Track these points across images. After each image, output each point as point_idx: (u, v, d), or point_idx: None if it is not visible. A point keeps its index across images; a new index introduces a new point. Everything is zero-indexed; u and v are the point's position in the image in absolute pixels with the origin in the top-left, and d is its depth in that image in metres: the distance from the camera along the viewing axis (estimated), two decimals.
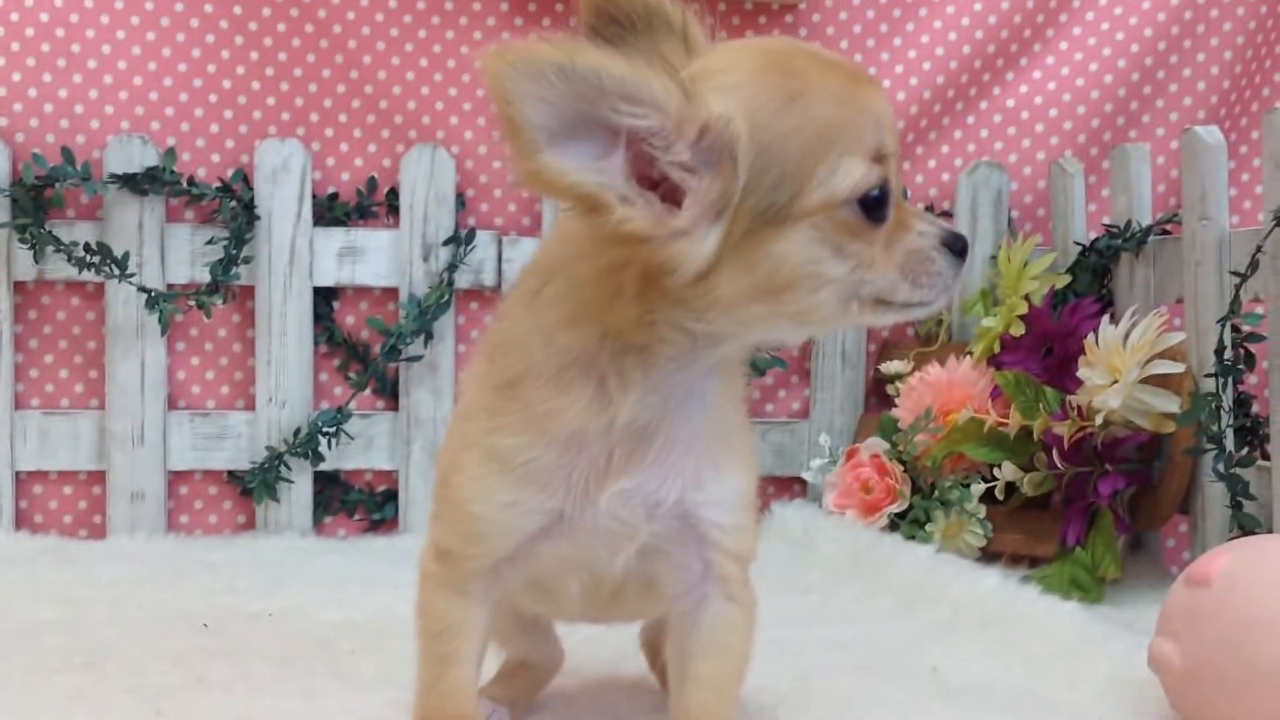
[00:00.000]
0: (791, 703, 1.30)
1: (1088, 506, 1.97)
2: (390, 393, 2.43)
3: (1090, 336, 2.02)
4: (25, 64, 2.30)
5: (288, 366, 2.35)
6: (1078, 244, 2.35)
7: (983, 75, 2.57)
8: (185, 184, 2.31)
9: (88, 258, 2.21)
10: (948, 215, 2.53)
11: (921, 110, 2.55)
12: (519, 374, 0.91)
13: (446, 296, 2.36)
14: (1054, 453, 1.99)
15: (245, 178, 2.36)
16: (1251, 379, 2.13)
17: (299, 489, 2.36)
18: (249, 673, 1.40)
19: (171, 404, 2.37)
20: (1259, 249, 1.77)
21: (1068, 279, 2.29)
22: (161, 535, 2.32)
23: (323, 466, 2.37)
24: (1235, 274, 1.78)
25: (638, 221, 0.79)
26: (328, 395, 2.43)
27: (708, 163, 0.81)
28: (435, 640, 1.00)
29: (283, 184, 2.34)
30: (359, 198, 2.42)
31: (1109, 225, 2.29)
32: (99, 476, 2.35)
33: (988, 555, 2.11)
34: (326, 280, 2.38)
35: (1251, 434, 2.03)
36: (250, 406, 2.39)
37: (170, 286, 2.32)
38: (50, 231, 2.24)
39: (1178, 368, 1.90)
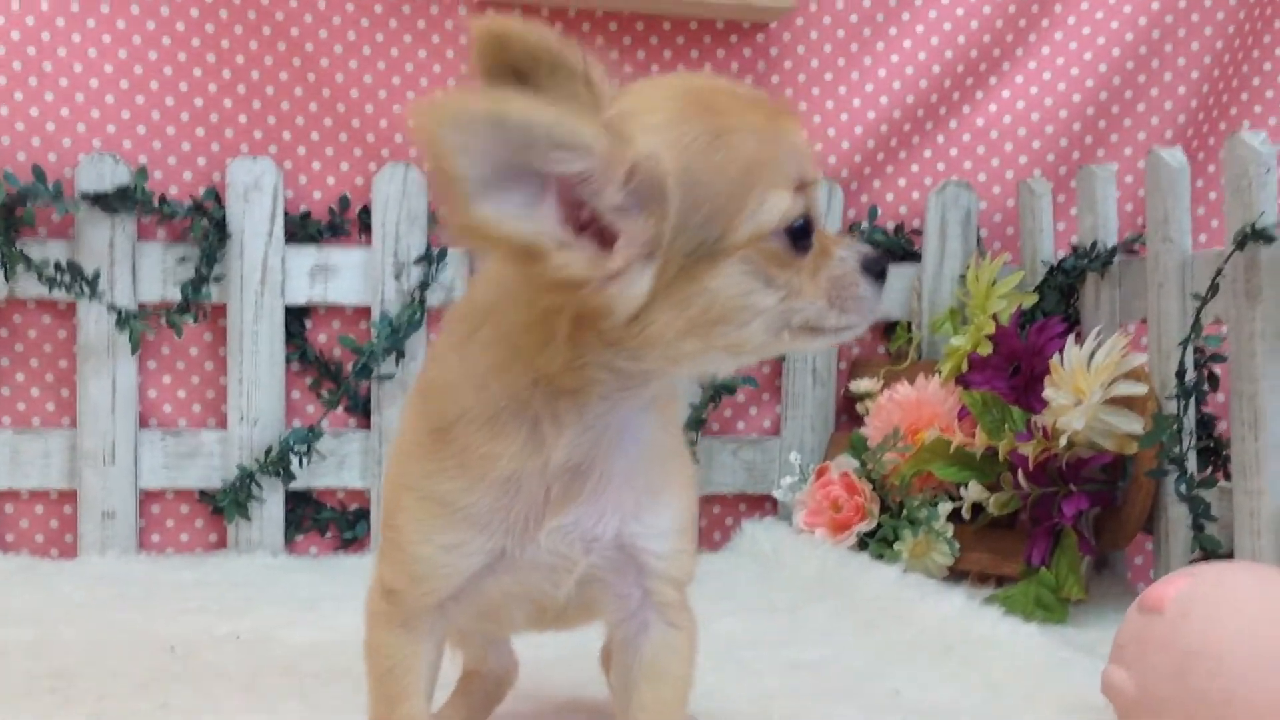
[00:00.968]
0: None
1: (1053, 527, 1.98)
2: (363, 411, 2.44)
3: (1055, 357, 2.04)
4: None
5: (259, 385, 2.36)
6: (1045, 263, 2.37)
7: (952, 94, 2.59)
8: (157, 202, 2.31)
9: (58, 277, 2.21)
10: (917, 234, 2.55)
11: (891, 129, 2.57)
12: (453, 419, 0.92)
13: (419, 315, 2.37)
14: (1019, 473, 2.01)
15: (217, 196, 2.36)
16: (1218, 397, 2.15)
17: (270, 507, 2.36)
18: (213, 697, 1.40)
19: (143, 422, 2.37)
20: (1219, 272, 1.79)
21: (1035, 298, 2.31)
22: (133, 554, 2.32)
23: (294, 485, 2.38)
24: (1196, 296, 1.80)
25: (574, 267, 0.79)
26: (300, 413, 2.44)
27: (638, 204, 0.81)
28: (384, 679, 0.99)
29: (254, 202, 2.34)
30: (331, 216, 2.43)
31: (1075, 245, 2.31)
32: (70, 495, 2.35)
33: (955, 574, 2.13)
34: (299, 298, 2.38)
35: (1215, 455, 2.05)
36: (222, 425, 2.39)
37: (142, 305, 2.32)
38: (21, 250, 2.24)
39: (1140, 389, 1.92)
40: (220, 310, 2.37)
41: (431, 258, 2.39)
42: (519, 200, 0.77)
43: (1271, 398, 1.76)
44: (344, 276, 2.40)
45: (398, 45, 2.44)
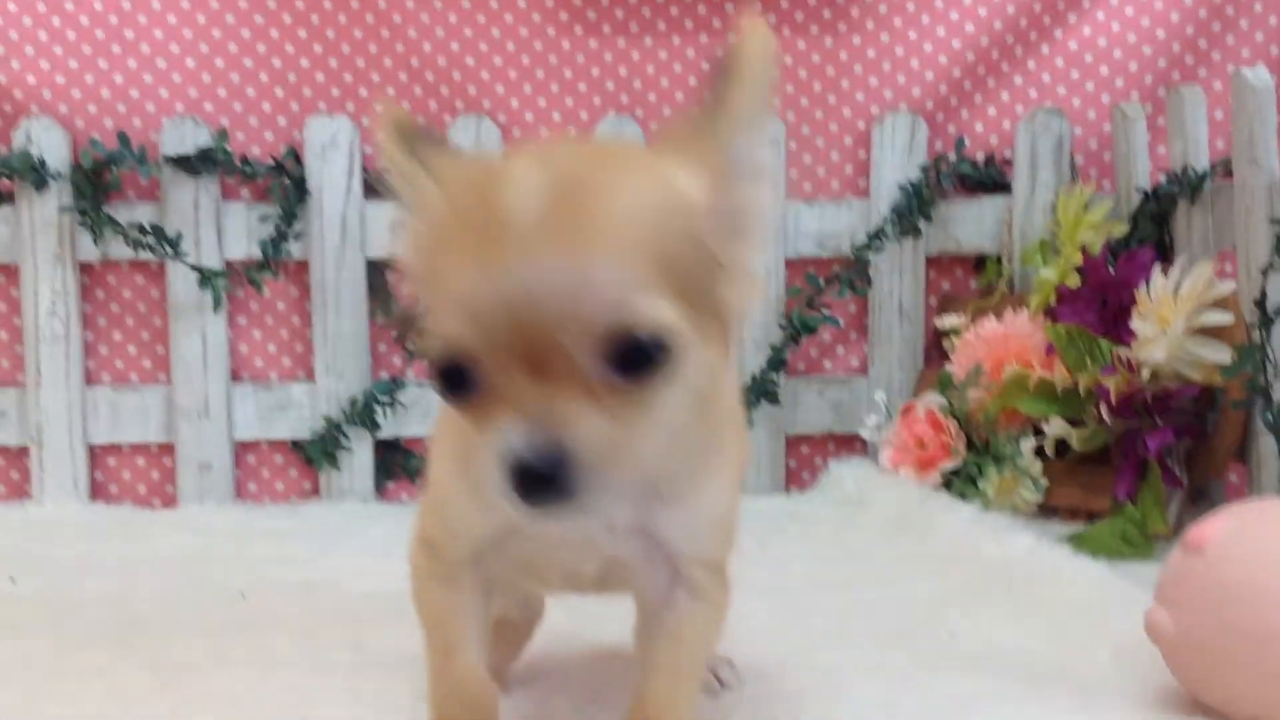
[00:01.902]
0: (788, 671, 1.29)
1: (1139, 461, 1.92)
2: None
3: (1142, 287, 1.96)
4: (81, 52, 2.37)
5: (344, 338, 2.40)
6: (1140, 191, 2.27)
7: (1043, 18, 2.49)
8: (238, 163, 2.35)
9: (144, 238, 2.27)
10: (1007, 164, 2.47)
11: (979, 56, 2.48)
12: None
13: None
14: (1103, 407, 1.94)
15: (296, 155, 2.39)
16: None
17: (359, 456, 2.41)
18: (269, 647, 1.43)
19: (235, 376, 2.43)
20: None
21: (1126, 228, 2.22)
22: (230, 504, 2.40)
23: (383, 434, 2.42)
24: (1275, 221, 1.71)
25: None
26: (386, 365, 2.47)
27: None
28: (434, 630, 0.99)
29: (332, 160, 2.37)
30: None
31: (1169, 171, 2.21)
32: (169, 448, 2.43)
33: (1045, 511, 2.08)
34: (379, 252, 2.41)
35: None
36: (310, 377, 2.44)
37: (228, 263, 2.37)
38: (109, 214, 2.31)
39: (1227, 318, 1.83)
40: (304, 266, 2.42)
41: None
42: None
43: None
44: None
45: None
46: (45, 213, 2.32)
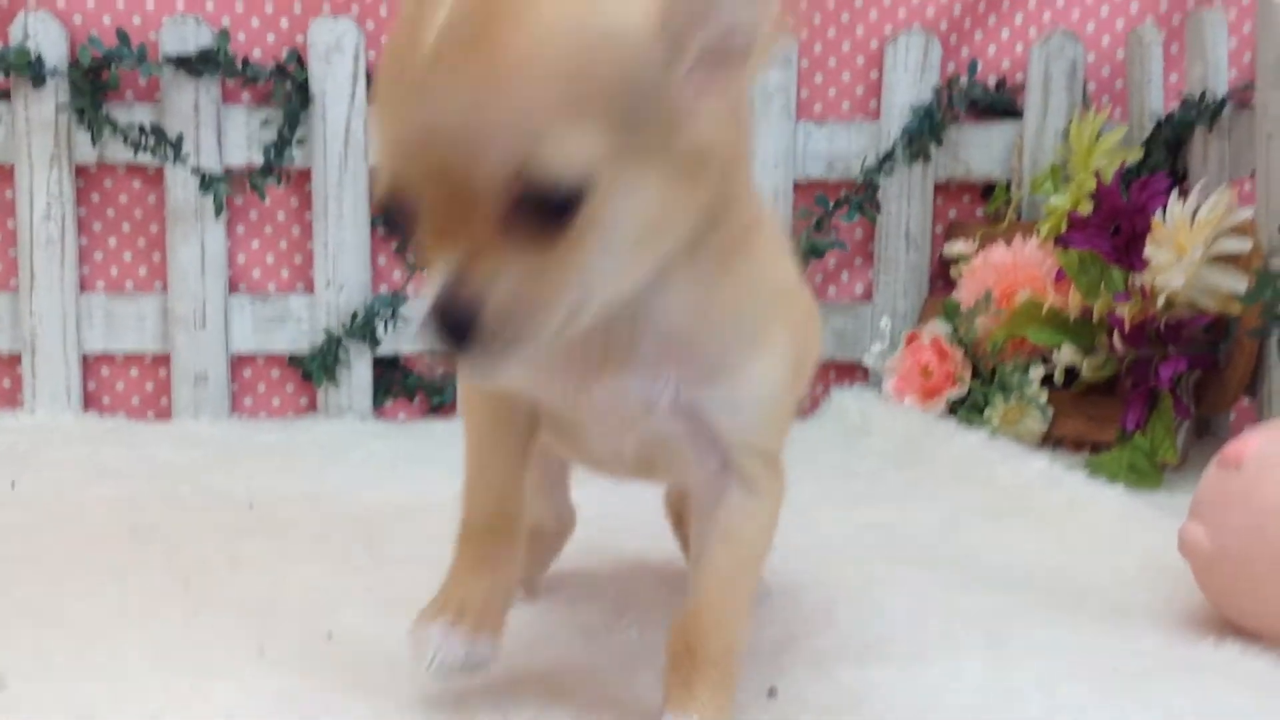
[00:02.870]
0: (814, 586, 1.28)
1: (1149, 390, 1.91)
2: None
3: (1158, 214, 1.94)
4: None
5: (344, 249, 2.36)
6: (1154, 117, 2.25)
7: None
8: (240, 65, 2.30)
9: (144, 140, 2.22)
10: (1019, 89, 2.44)
11: None
12: None
13: None
14: (1115, 335, 1.93)
15: (299, 58, 2.34)
16: None
17: (358, 373, 2.38)
18: (283, 550, 1.42)
19: (232, 287, 2.39)
20: None
21: (1139, 154, 2.20)
22: (225, 418, 2.37)
23: (382, 351, 2.39)
24: None
25: None
26: (386, 278, 2.44)
27: None
28: (474, 438, 0.97)
29: (336, 64, 2.32)
30: None
31: (1185, 97, 2.18)
32: (164, 359, 2.39)
33: (1049, 441, 2.07)
34: None
35: None
36: (310, 290, 2.40)
37: (227, 169, 2.33)
38: (107, 114, 2.25)
39: (1245, 245, 1.82)
40: (305, 175, 2.37)
41: None
42: None
43: None
44: None
45: None
46: (42, 112, 2.27)
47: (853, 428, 2.21)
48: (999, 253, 2.22)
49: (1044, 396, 2.06)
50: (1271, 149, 1.85)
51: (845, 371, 2.49)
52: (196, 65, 2.27)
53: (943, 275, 2.48)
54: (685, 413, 0.88)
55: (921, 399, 2.20)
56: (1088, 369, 1.97)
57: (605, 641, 1.11)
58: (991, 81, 2.46)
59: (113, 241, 2.38)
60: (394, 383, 2.44)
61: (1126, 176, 2.18)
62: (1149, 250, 1.92)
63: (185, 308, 2.34)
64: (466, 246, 0.70)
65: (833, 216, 2.41)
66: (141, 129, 2.23)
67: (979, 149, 2.45)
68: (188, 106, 2.30)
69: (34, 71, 2.22)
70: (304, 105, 2.31)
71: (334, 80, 2.32)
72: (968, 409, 2.12)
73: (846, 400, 2.33)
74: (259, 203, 2.36)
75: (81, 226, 2.36)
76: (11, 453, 1.97)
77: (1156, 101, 2.27)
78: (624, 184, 0.70)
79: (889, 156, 2.40)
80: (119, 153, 2.30)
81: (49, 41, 2.26)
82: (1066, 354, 1.99)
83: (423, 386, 2.44)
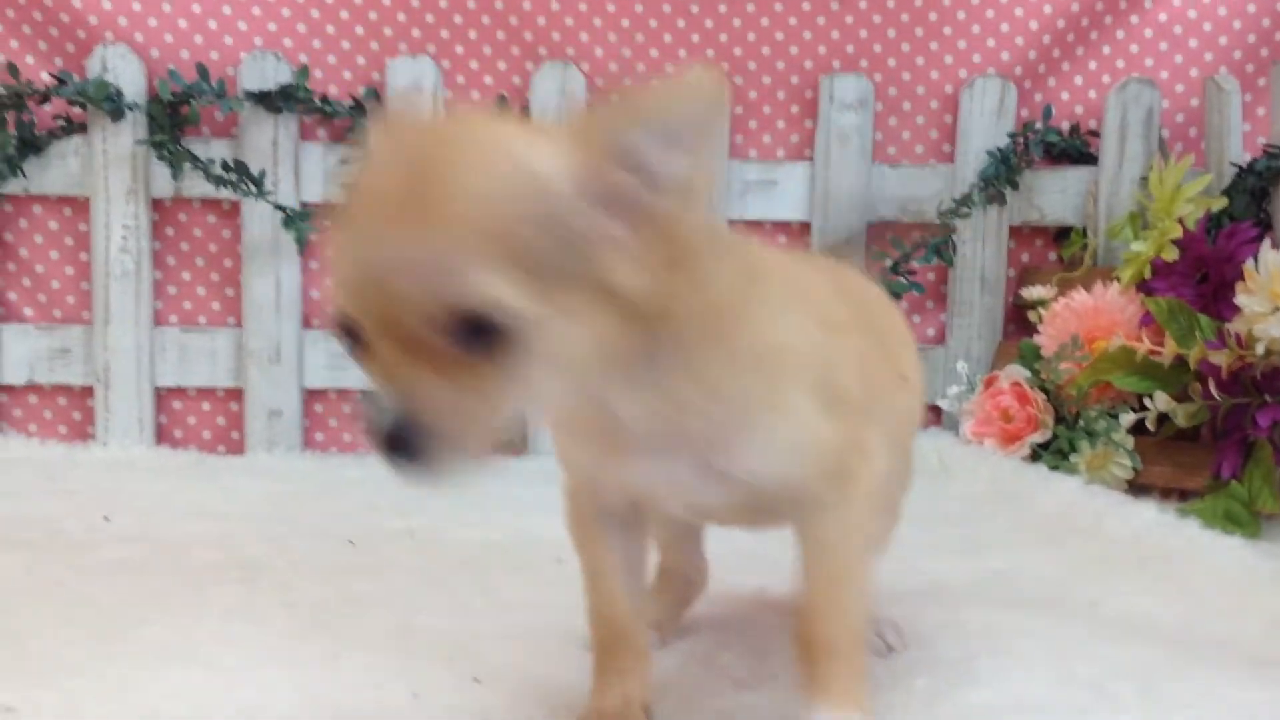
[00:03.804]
0: (947, 635, 1.27)
1: (1244, 438, 1.89)
2: None
3: (1250, 262, 1.93)
4: None
5: None
6: (1234, 165, 2.24)
7: None
8: (318, 101, 2.30)
9: (225, 175, 2.22)
10: (1093, 135, 2.44)
11: (1069, 24, 2.45)
12: None
13: None
14: (1210, 383, 1.91)
15: (377, 95, 2.34)
16: None
17: None
18: (399, 591, 1.41)
19: (306, 323, 2.39)
20: None
21: (1224, 202, 2.20)
22: (298, 452, 2.36)
23: None
24: None
25: None
26: None
27: None
28: (581, 558, 1.04)
29: (414, 102, 2.32)
30: None
31: (1268, 146, 2.18)
32: (235, 393, 2.39)
33: (1134, 488, 2.05)
34: None
35: None
36: None
37: (303, 205, 2.33)
38: (187, 148, 2.25)
39: None
40: None
41: None
42: None
43: None
44: None
45: None
46: (119, 145, 2.27)
47: (933, 471, 2.19)
48: (1080, 297, 2.21)
49: (1131, 443, 2.05)
50: None
51: None
52: (276, 101, 2.27)
53: (1016, 319, 2.47)
54: (717, 477, 0.92)
55: (1002, 443, 2.19)
56: (1182, 416, 1.96)
57: (759, 692, 1.10)
58: (1065, 127, 2.46)
59: (186, 275, 2.38)
60: None
61: (1208, 225, 2.18)
62: (1241, 298, 1.91)
63: (260, 343, 2.34)
64: (409, 371, 0.76)
65: (910, 259, 2.40)
66: (225, 164, 2.23)
67: (1053, 194, 2.44)
68: (265, 142, 2.30)
69: (113, 105, 2.23)
70: None
71: None
72: (1052, 454, 2.11)
73: (924, 443, 2.31)
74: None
75: (155, 260, 2.36)
76: (95, 487, 1.96)
77: (1235, 149, 2.26)
78: (551, 318, 0.75)
79: (966, 200, 2.39)
80: (195, 187, 2.30)
81: (127, 75, 2.26)
82: (1160, 400, 1.97)
83: None
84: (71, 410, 2.38)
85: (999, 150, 2.40)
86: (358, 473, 2.17)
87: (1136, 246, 2.22)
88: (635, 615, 1.02)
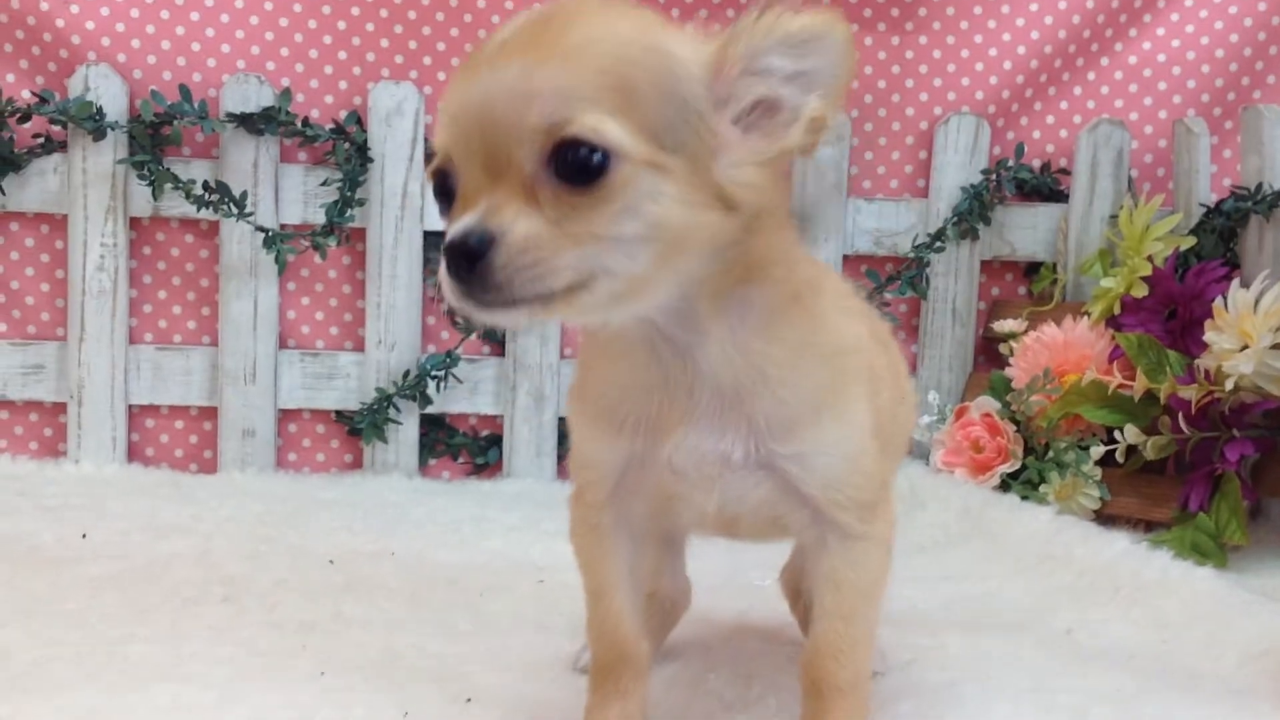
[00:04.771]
0: (930, 661, 1.29)
1: (1211, 472, 1.93)
2: (497, 338, 2.43)
3: (1219, 300, 1.97)
4: (143, 1, 2.31)
5: (397, 309, 2.36)
6: (1202, 205, 2.29)
7: (1106, 30, 2.50)
8: (300, 125, 2.31)
9: (206, 196, 2.22)
10: (1063, 173, 2.48)
11: (1042, 65, 2.49)
12: (593, 334, 0.96)
13: None
14: (1179, 417, 1.95)
15: (359, 120, 2.35)
16: None
17: (406, 431, 2.37)
18: (384, 611, 1.41)
19: (281, 343, 2.38)
20: None
21: (1192, 241, 2.24)
22: (271, 472, 2.35)
23: (429, 409, 2.38)
24: None
25: None
26: (434, 339, 2.44)
27: None
28: (585, 574, 1.03)
29: (396, 127, 2.34)
30: None
31: (1237, 188, 2.23)
32: (209, 412, 2.38)
33: (1101, 518, 2.08)
34: (437, 224, 2.37)
35: None
36: (359, 348, 2.40)
37: (283, 226, 2.33)
38: (168, 169, 2.25)
39: None
40: (359, 234, 2.37)
41: None
42: None
43: None
44: None
45: None
46: (100, 164, 2.27)
47: (904, 498, 2.21)
48: (1051, 331, 2.24)
49: (1099, 474, 2.08)
50: None
51: None
52: (258, 123, 2.27)
53: (986, 351, 2.51)
54: (764, 467, 0.92)
55: (972, 473, 2.21)
56: (1151, 449, 1.99)
57: (748, 713, 1.11)
58: (1037, 165, 2.50)
59: (163, 294, 2.38)
60: (439, 442, 2.43)
61: (1178, 263, 2.22)
62: (1210, 335, 1.95)
63: (235, 362, 2.33)
64: (496, 198, 0.78)
65: (883, 290, 2.43)
66: (206, 185, 2.23)
67: (1024, 230, 2.48)
68: (246, 164, 2.30)
69: (94, 124, 2.22)
70: (363, 166, 2.31)
71: (393, 143, 2.33)
72: (1022, 484, 2.14)
73: None
74: (309, 261, 2.36)
75: (132, 278, 2.35)
76: (69, 504, 1.94)
77: (1204, 190, 2.31)
78: (649, 178, 0.78)
79: (940, 234, 2.43)
80: (173, 207, 2.30)
81: (109, 95, 2.26)
82: (1131, 433, 2.01)
83: (467, 446, 2.43)
84: (43, 426, 2.37)
85: (972, 186, 2.44)
86: (331, 494, 2.17)
87: (1107, 282, 2.26)
88: (638, 634, 1.02)
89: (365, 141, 2.33)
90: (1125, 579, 1.58)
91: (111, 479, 2.21)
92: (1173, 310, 2.17)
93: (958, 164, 2.45)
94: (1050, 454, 2.14)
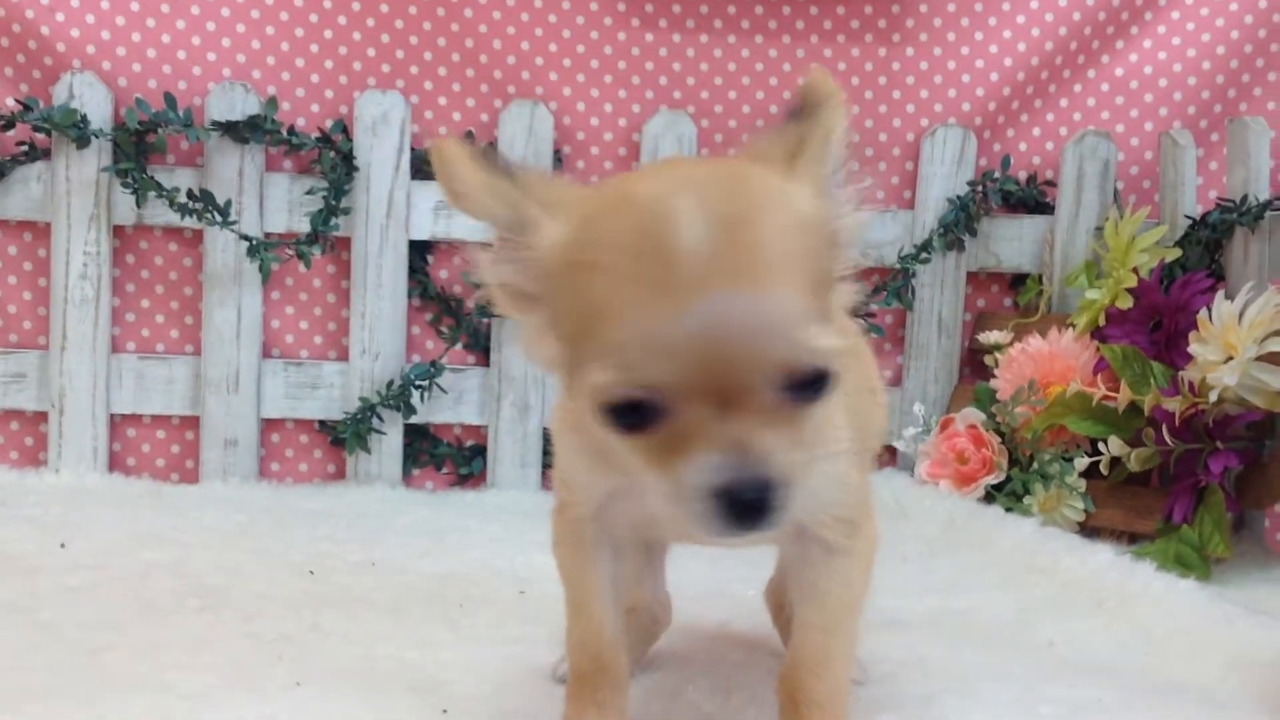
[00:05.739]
0: (911, 673, 1.28)
1: (1195, 484, 1.93)
2: (481, 348, 2.42)
3: (1203, 312, 1.97)
4: (129, 8, 2.31)
5: (382, 318, 2.35)
6: (1187, 217, 2.30)
7: (1092, 42, 2.51)
8: (285, 133, 2.30)
9: (190, 204, 2.22)
10: (1049, 185, 2.49)
11: (1029, 77, 2.49)
12: None
13: None
14: (1163, 428, 1.95)
15: (345, 129, 2.35)
16: None
17: (389, 440, 2.36)
18: (363, 621, 1.40)
19: (265, 352, 2.38)
20: None
21: (1178, 253, 2.24)
22: (254, 482, 2.34)
23: (413, 419, 2.37)
24: None
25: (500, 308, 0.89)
26: (419, 349, 2.43)
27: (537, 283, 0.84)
28: (567, 586, 1.04)
29: (382, 136, 2.33)
30: None
31: (1222, 199, 2.23)
32: (191, 421, 2.37)
33: (1085, 530, 2.08)
34: (422, 234, 2.37)
35: None
36: (343, 357, 2.39)
37: (267, 235, 2.32)
38: (152, 177, 2.24)
39: None
40: (344, 243, 2.37)
41: None
42: None
43: None
44: None
45: None
46: (83, 172, 2.26)
47: (889, 510, 2.21)
48: (1036, 343, 2.25)
49: (1083, 486, 2.08)
50: None
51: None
52: (243, 131, 2.27)
53: (971, 363, 2.51)
54: None
55: (957, 484, 2.21)
56: (1135, 461, 1.99)
57: None
58: (1023, 177, 2.50)
59: (145, 303, 2.36)
60: (422, 452, 2.42)
61: (1163, 274, 2.22)
62: (1195, 347, 1.95)
63: (218, 371, 2.32)
64: (744, 428, 0.76)
65: (869, 302, 2.43)
66: (191, 193, 2.22)
67: (1010, 241, 2.48)
68: (231, 172, 2.29)
69: (79, 132, 2.21)
70: (349, 175, 2.31)
71: (380, 151, 2.33)
72: (1006, 495, 2.14)
73: (878, 482, 2.32)
74: (294, 269, 2.35)
75: (114, 287, 2.34)
76: (49, 513, 1.93)
77: (1189, 202, 2.32)
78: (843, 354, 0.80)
79: (926, 245, 2.43)
80: (157, 215, 2.29)
81: (94, 103, 2.25)
82: (1115, 445, 2.00)
83: (451, 456, 2.42)
84: (24, 435, 2.35)
85: (958, 198, 2.44)
86: (313, 504, 2.16)
87: (1092, 294, 2.26)
88: (618, 646, 1.03)
89: (351, 150, 2.32)
90: (1109, 591, 1.58)
91: (93, 489, 2.19)
92: (1157, 322, 2.17)
93: (944, 175, 2.46)
94: (1035, 466, 2.14)
